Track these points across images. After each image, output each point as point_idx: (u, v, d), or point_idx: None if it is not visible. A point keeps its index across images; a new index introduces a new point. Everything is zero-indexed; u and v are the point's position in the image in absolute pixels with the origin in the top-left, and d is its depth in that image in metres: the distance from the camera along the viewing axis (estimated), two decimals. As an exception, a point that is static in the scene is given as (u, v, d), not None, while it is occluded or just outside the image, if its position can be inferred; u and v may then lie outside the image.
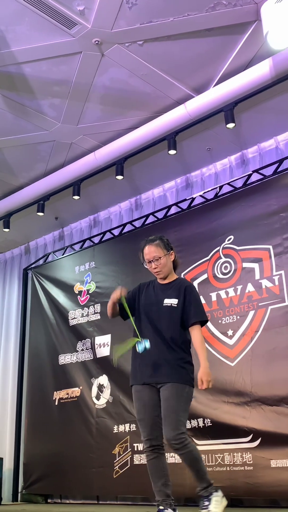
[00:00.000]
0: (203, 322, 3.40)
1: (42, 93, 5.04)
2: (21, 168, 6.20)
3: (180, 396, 3.21)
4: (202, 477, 3.20)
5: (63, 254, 7.10)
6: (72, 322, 6.54)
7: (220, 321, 5.14)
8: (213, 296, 5.27)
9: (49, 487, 6.23)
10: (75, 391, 6.22)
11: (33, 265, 7.51)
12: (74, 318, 6.54)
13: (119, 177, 5.70)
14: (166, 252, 3.43)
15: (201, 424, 4.98)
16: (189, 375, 3.30)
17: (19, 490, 6.52)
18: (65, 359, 6.47)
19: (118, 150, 5.57)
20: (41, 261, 7.45)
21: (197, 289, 5.32)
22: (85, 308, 6.45)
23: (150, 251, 3.46)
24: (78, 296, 6.60)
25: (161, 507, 3.18)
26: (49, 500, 6.29)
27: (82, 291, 6.58)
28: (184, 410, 3.24)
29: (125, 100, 5.17)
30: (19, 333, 7.32)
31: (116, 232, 6.59)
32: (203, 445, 4.91)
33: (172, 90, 5.05)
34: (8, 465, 6.64)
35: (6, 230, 6.85)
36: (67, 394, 6.29)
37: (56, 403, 6.37)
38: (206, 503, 3.14)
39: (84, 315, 6.43)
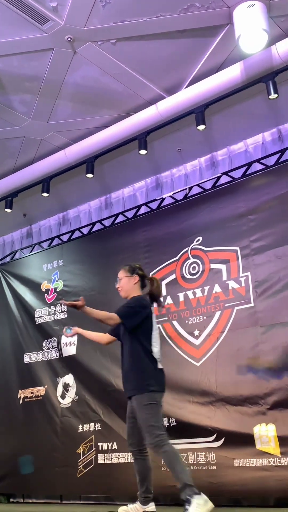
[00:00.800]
0: (121, 315, 3.64)
1: (13, 89, 4.98)
2: (-11, 163, 6.13)
3: (142, 407, 3.49)
4: (177, 477, 3.34)
5: (30, 252, 7.03)
6: (39, 321, 6.48)
7: (187, 321, 5.17)
8: (181, 296, 5.30)
9: (12, 486, 6.16)
10: (40, 390, 6.16)
11: (0, 262, 7.42)
12: (41, 316, 6.48)
13: (89, 176, 5.68)
14: (128, 275, 3.82)
15: (166, 423, 5.00)
16: (144, 382, 3.53)
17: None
18: (30, 357, 6.41)
19: (88, 148, 5.56)
20: (8, 258, 7.36)
21: (164, 289, 5.38)
22: (52, 306, 6.40)
23: (118, 272, 3.91)
24: (45, 294, 6.55)
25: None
26: (11, 500, 6.22)
27: (49, 289, 6.53)
28: (151, 415, 3.46)
29: (96, 98, 5.16)
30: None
31: (85, 230, 6.56)
32: (167, 445, 4.92)
33: (144, 90, 5.06)
34: None
35: (-27, 226, 6.76)
36: (32, 393, 6.23)
37: (21, 402, 6.30)
38: (187, 506, 3.20)
39: (51, 313, 6.38)
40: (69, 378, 5.94)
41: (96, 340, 4.04)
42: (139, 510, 3.68)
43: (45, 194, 6.04)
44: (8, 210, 6.38)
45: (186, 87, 5.01)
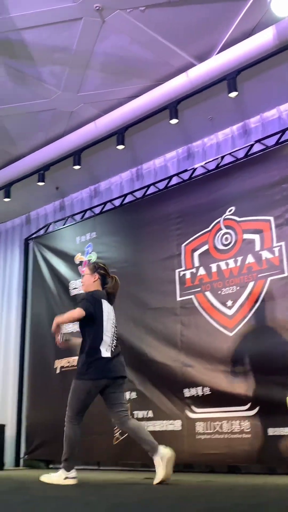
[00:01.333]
0: (82, 306, 4.06)
1: (43, 60, 4.96)
2: (21, 137, 6.15)
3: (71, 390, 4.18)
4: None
5: (64, 225, 7.10)
6: (73, 292, 6.57)
7: (219, 292, 5.17)
8: (213, 267, 5.29)
9: (51, 453, 6.35)
10: (76, 360, 6.28)
11: (34, 235, 7.51)
12: (75, 288, 6.57)
13: (120, 147, 5.66)
14: (90, 273, 4.31)
15: (200, 393, 5.06)
16: (77, 372, 4.10)
17: (21, 456, 6.65)
18: (66, 328, 6.52)
19: (119, 119, 5.52)
20: (42, 231, 7.45)
21: (196, 260, 5.38)
22: (86, 278, 6.47)
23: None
24: (79, 266, 6.63)
25: None
26: (50, 466, 6.42)
27: (83, 261, 6.60)
28: (73, 400, 4.20)
29: (126, 67, 5.10)
30: (20, 303, 7.37)
31: (117, 202, 6.57)
32: (202, 413, 4.99)
33: (174, 58, 4.98)
34: (10, 431, 6.76)
35: (7, 199, 6.83)
36: (68, 362, 6.37)
37: (58, 372, 6.45)
38: None
39: (85, 285, 6.46)
40: (104, 349, 6.03)
41: (74, 317, 4.19)
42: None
43: (77, 167, 6.05)
44: (41, 184, 6.43)
45: (217, 53, 4.90)
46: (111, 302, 4.36)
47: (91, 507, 2.95)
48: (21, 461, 6.65)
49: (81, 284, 4.52)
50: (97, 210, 6.77)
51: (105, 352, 4.07)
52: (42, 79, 5.19)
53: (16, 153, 6.46)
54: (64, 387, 6.31)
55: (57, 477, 4.05)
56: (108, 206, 6.62)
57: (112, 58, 4.96)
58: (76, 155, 6.01)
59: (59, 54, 4.90)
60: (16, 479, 4.94)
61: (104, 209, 6.64)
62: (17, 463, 6.64)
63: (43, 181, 6.42)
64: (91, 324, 4.10)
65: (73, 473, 4.05)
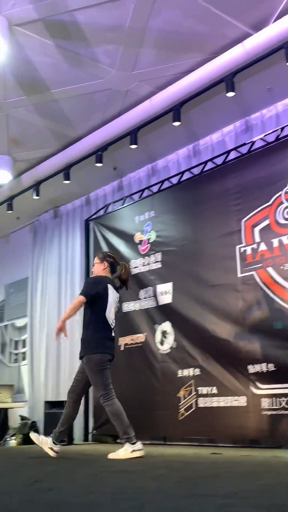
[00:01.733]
0: (83, 293, 4.45)
1: (96, 40, 4.96)
2: (78, 119, 6.20)
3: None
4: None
5: (122, 205, 7.15)
6: (134, 271, 6.64)
7: (282, 267, 5.07)
8: (275, 242, 5.19)
9: (118, 428, 6.51)
10: (140, 337, 6.38)
11: (93, 216, 7.62)
12: (136, 267, 6.63)
13: (176, 123, 5.60)
14: (99, 261, 4.69)
15: (264, 369, 5.02)
16: (91, 349, 4.40)
17: (90, 431, 6.85)
18: (128, 306, 6.61)
19: (174, 95, 5.46)
20: (101, 212, 7.53)
21: (257, 235, 5.30)
22: (146, 257, 6.52)
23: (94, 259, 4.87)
24: (139, 245, 6.67)
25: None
26: (117, 441, 6.58)
27: (142, 240, 6.64)
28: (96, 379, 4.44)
29: (180, 42, 5.02)
30: (83, 283, 7.52)
31: (174, 180, 6.54)
32: (267, 389, 4.96)
33: (229, 29, 4.85)
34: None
35: (67, 182, 6.94)
36: (132, 340, 6.47)
37: (122, 349, 6.57)
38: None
39: (145, 264, 6.51)
40: (166, 326, 6.09)
41: (77, 306, 4.46)
42: (48, 444, 4.39)
43: (133, 146, 6.05)
44: (99, 165, 6.48)
45: (274, 21, 4.73)
46: (126, 288, 4.74)
47: (159, 481, 3.01)
48: (90, 436, 6.85)
49: (92, 273, 4.81)
50: (155, 188, 6.77)
51: (109, 332, 4.45)
52: (96, 59, 5.20)
53: (74, 135, 6.53)
54: (129, 363, 6.45)
55: (123, 451, 4.21)
56: (166, 184, 6.61)
57: (166, 33, 4.89)
58: (132, 134, 6.01)
59: (112, 33, 4.88)
60: (85, 453, 5.10)
61: (162, 188, 6.63)
62: (85, 438, 6.84)
63: (101, 162, 6.46)
64: (96, 303, 4.42)
65: (138, 445, 4.23)
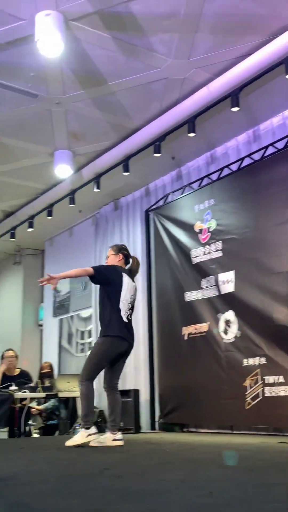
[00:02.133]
0: (95, 268, 4.69)
1: (152, 30, 4.94)
2: (136, 110, 6.21)
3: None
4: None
5: (182, 194, 7.12)
6: (195, 260, 6.61)
7: None
8: None
9: (184, 416, 6.54)
10: (203, 326, 6.36)
11: (153, 207, 7.63)
12: (197, 256, 6.60)
13: (235, 109, 5.51)
14: (114, 253, 4.91)
15: None
16: (105, 331, 4.64)
17: (156, 420, 6.91)
18: (191, 296, 6.60)
19: (232, 80, 5.36)
20: (161, 202, 7.54)
21: None
22: (206, 246, 6.48)
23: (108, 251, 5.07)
24: (199, 234, 6.63)
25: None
26: (184, 429, 6.61)
27: (202, 229, 6.59)
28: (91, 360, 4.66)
29: (237, 26, 4.91)
30: (145, 273, 7.57)
31: (234, 167, 6.44)
32: None
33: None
34: (144, 396, 7.04)
35: (126, 173, 6.98)
36: (195, 329, 6.46)
37: (186, 338, 6.57)
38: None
39: (206, 253, 6.47)
40: (229, 315, 6.04)
41: (75, 273, 4.76)
42: (108, 438, 4.51)
43: (191, 134, 6.00)
44: (157, 155, 6.48)
45: None
46: (132, 279, 4.85)
47: (227, 469, 3.00)
48: (156, 424, 6.91)
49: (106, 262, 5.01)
50: (214, 176, 6.70)
51: (124, 316, 4.64)
52: (152, 49, 5.18)
53: (132, 126, 6.55)
54: (193, 353, 6.46)
55: (79, 436, 4.47)
56: (226, 171, 6.52)
57: (222, 18, 4.80)
58: (190, 122, 5.96)
59: (167, 21, 4.84)
60: (152, 441, 5.15)
61: (221, 175, 6.55)
62: (152, 427, 6.91)
63: (159, 152, 6.46)
64: (110, 290, 4.67)
65: (93, 429, 4.48)
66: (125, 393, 6.70)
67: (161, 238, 7.26)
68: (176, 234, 7.01)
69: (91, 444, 4.47)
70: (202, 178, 6.87)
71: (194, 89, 5.80)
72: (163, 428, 6.78)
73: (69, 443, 4.44)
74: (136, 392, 6.70)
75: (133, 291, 4.80)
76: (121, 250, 4.95)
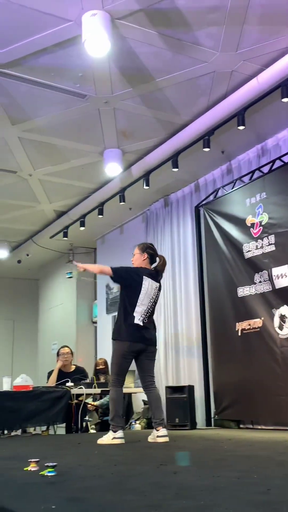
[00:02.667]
0: (113, 269, 4.77)
1: (198, 24, 4.90)
2: (184, 105, 6.19)
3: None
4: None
5: (232, 188, 7.04)
6: (247, 255, 6.52)
7: None
8: None
9: (240, 413, 6.48)
10: (257, 322, 6.27)
11: (203, 202, 7.59)
12: (249, 251, 6.51)
13: (286, 100, 5.39)
14: (139, 252, 4.93)
15: None
16: (115, 334, 4.82)
17: (212, 416, 6.88)
18: (243, 291, 6.52)
19: (282, 70, 5.24)
20: (211, 197, 7.48)
21: None
22: (259, 240, 6.38)
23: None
24: (251, 228, 6.54)
25: None
26: (241, 426, 6.55)
27: (254, 223, 6.50)
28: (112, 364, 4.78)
29: (285, 15, 4.80)
30: (197, 269, 7.54)
31: (286, 159, 6.31)
32: None
33: None
34: (199, 392, 7.02)
35: (175, 170, 6.97)
36: (249, 325, 6.38)
37: (239, 334, 6.50)
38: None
39: (259, 247, 6.37)
40: (285, 310, 5.92)
41: (94, 268, 5.26)
42: (154, 435, 4.61)
43: (241, 127, 5.92)
44: (206, 149, 6.43)
45: None
46: (159, 278, 4.90)
47: (285, 467, 2.96)
48: (212, 421, 6.88)
49: (132, 263, 5.02)
50: (265, 169, 6.58)
51: (137, 320, 4.67)
52: (199, 43, 5.14)
53: (180, 122, 6.52)
54: (247, 349, 6.38)
55: (106, 437, 4.57)
56: (277, 163, 6.39)
57: (270, 7, 4.70)
58: (239, 115, 5.88)
59: (213, 14, 4.79)
60: (208, 437, 5.13)
61: (273, 168, 6.43)
62: (208, 423, 6.88)
63: (208, 146, 6.41)
64: (127, 293, 4.75)
65: (119, 433, 4.54)
66: (179, 389, 6.72)
67: (212, 233, 7.20)
68: (227, 229, 6.94)
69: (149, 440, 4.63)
70: (253, 171, 6.77)
71: (242, 82, 5.71)
72: (218, 425, 6.74)
73: (99, 441, 4.58)
74: (190, 388, 6.68)
75: (154, 294, 4.83)
76: (147, 249, 4.96)
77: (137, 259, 4.94)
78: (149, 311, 4.79)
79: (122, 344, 4.70)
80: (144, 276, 4.78)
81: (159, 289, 4.93)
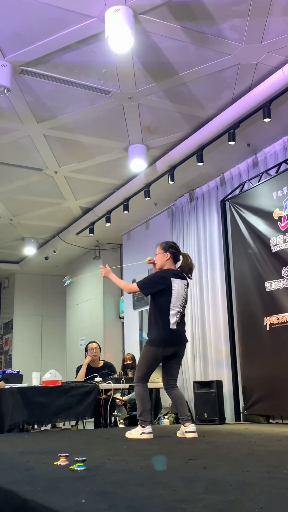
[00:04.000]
0: (139, 285, 4.79)
1: (221, 17, 4.86)
2: (208, 98, 6.15)
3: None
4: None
5: (258, 181, 6.97)
6: (275, 249, 6.46)
7: None
8: None
9: (270, 408, 6.43)
10: (286, 316, 6.21)
11: (229, 196, 7.53)
12: (276, 244, 6.44)
13: (312, 91, 5.32)
14: (162, 252, 4.85)
15: None
16: (149, 339, 4.78)
17: (241, 411, 6.85)
18: (271, 285, 6.46)
19: (308, 61, 5.17)
20: (237, 191, 7.42)
21: None
22: (286, 233, 6.31)
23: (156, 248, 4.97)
24: (278, 222, 6.47)
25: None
26: (270, 421, 6.50)
27: (282, 216, 6.42)
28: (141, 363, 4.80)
29: (311, 3, 4.73)
30: (223, 264, 7.50)
31: (313, 150, 6.22)
32: None
33: None
34: (227, 387, 6.99)
35: (200, 164, 6.93)
36: (278, 319, 6.32)
37: (268, 329, 6.45)
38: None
39: (286, 240, 6.30)
40: (313, 303, 5.85)
41: (122, 286, 5.10)
42: (182, 430, 4.64)
43: (267, 120, 5.86)
44: (232, 143, 6.38)
45: None
46: (188, 277, 4.86)
47: (316, 462, 2.92)
48: (241, 415, 6.85)
49: (155, 262, 4.98)
50: (292, 161, 6.50)
51: (172, 325, 4.67)
52: (223, 36, 5.09)
53: (205, 116, 6.48)
54: (276, 343, 6.32)
55: (135, 432, 4.61)
56: (304, 155, 6.31)
57: (294, -4, 4.64)
58: (265, 107, 5.81)
59: (237, 6, 4.74)
60: (237, 432, 5.11)
61: (300, 160, 6.34)
62: (237, 418, 6.85)
63: (233, 140, 6.35)
64: (159, 299, 4.71)
65: (148, 428, 4.57)
66: (207, 384, 6.70)
67: (239, 227, 7.15)
68: (254, 222, 6.88)
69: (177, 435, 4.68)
70: (279, 164, 6.69)
71: (268, 73, 5.65)
72: (247, 419, 6.70)
73: (127, 435, 4.64)
74: (219, 383, 6.66)
75: (185, 293, 4.80)
76: (170, 248, 4.88)
77: (160, 259, 4.89)
78: (182, 312, 4.79)
79: (156, 348, 4.70)
80: (172, 278, 4.75)
81: (187, 286, 4.91)
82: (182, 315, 4.80)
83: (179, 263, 4.97)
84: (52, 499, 2.00)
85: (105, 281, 11.06)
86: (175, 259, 4.90)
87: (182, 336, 4.82)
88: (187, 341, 4.91)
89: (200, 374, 7.73)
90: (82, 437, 5.21)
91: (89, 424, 6.89)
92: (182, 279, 4.83)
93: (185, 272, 4.87)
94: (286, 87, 5.58)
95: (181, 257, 4.92)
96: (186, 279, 4.90)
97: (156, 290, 4.74)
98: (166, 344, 4.68)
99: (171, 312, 4.68)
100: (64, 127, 6.66)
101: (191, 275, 4.93)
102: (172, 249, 4.89)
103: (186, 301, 4.86)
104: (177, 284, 4.74)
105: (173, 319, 4.69)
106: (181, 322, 4.79)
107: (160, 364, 4.89)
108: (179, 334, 4.78)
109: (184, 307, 4.83)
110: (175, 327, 4.71)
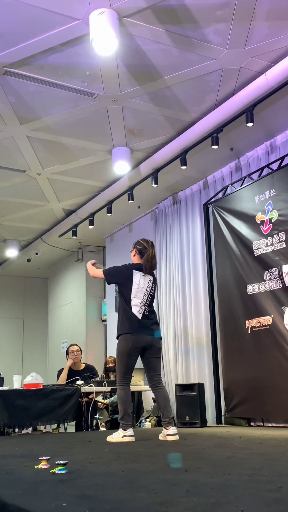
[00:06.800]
0: (104, 272, 5.05)
1: (205, 21, 4.89)
2: (192, 102, 6.17)
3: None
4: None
5: (241, 185, 7.02)
6: (257, 252, 6.50)
7: None
8: None
9: (251, 410, 6.46)
10: (267, 320, 6.25)
11: (212, 199, 7.57)
12: (259, 248, 6.49)
13: (294, 96, 5.37)
14: (131, 249, 5.10)
15: None
16: (118, 334, 4.86)
17: (222, 414, 6.87)
18: (253, 289, 6.50)
19: (290, 66, 5.22)
20: (220, 195, 7.46)
21: None
22: (269, 237, 6.35)
23: None
24: (261, 226, 6.52)
25: None
26: (251, 423, 6.54)
27: (264, 220, 6.47)
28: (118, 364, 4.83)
29: (293, 10, 4.78)
30: (206, 267, 7.53)
31: (295, 155, 6.28)
32: None
33: None
34: (209, 390, 7.01)
35: (183, 167, 6.95)
36: (259, 322, 6.36)
37: (249, 332, 6.49)
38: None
39: (269, 244, 6.35)
40: (294, 307, 5.90)
41: (91, 273, 5.17)
42: (164, 433, 4.64)
43: (250, 124, 5.90)
44: (215, 147, 6.41)
45: None
46: (151, 273, 4.98)
47: (297, 464, 2.94)
48: (222, 418, 6.87)
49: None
50: (274, 166, 6.55)
51: (136, 312, 4.75)
52: (207, 40, 5.12)
53: (189, 119, 6.51)
54: (257, 346, 6.36)
55: (116, 435, 4.62)
56: (286, 160, 6.36)
57: (278, 3, 4.68)
58: (248, 112, 5.85)
59: (221, 11, 4.77)
60: (219, 435, 5.13)
61: (282, 164, 6.40)
62: (218, 421, 6.88)
63: (217, 144, 6.39)
64: (121, 290, 4.90)
65: (129, 431, 4.58)
66: (189, 387, 6.71)
67: (221, 231, 7.18)
68: (236, 226, 6.92)
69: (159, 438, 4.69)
70: (262, 168, 6.75)
71: (251, 78, 5.69)
72: (229, 422, 6.73)
73: (108, 439, 4.65)
74: (200, 386, 6.68)
75: (149, 287, 4.91)
76: (136, 245, 5.10)
77: (132, 256, 5.09)
78: (146, 303, 4.85)
79: (126, 340, 4.72)
80: (134, 271, 4.91)
81: (154, 282, 5.00)
82: (149, 310, 4.86)
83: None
84: (33, 502, 1.99)
85: (87, 283, 11.04)
86: (141, 255, 5.03)
87: (150, 326, 4.83)
88: (160, 336, 4.93)
89: (182, 377, 7.74)
90: (63, 440, 5.18)
91: (71, 427, 6.86)
92: (147, 275, 4.95)
93: (146, 268, 4.96)
94: (269, 92, 5.63)
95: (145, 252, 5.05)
96: (152, 275, 5.01)
97: (117, 280, 4.95)
98: (134, 335, 4.72)
99: (133, 301, 4.79)
100: (47, 129, 6.63)
101: (149, 272, 5.01)
102: (139, 246, 5.06)
103: (152, 296, 4.94)
104: (138, 277, 4.88)
105: (135, 309, 4.77)
106: (149, 315, 4.85)
107: (142, 365, 4.89)
108: (147, 324, 4.80)
109: (150, 301, 4.89)
110: (140, 317, 4.77)
